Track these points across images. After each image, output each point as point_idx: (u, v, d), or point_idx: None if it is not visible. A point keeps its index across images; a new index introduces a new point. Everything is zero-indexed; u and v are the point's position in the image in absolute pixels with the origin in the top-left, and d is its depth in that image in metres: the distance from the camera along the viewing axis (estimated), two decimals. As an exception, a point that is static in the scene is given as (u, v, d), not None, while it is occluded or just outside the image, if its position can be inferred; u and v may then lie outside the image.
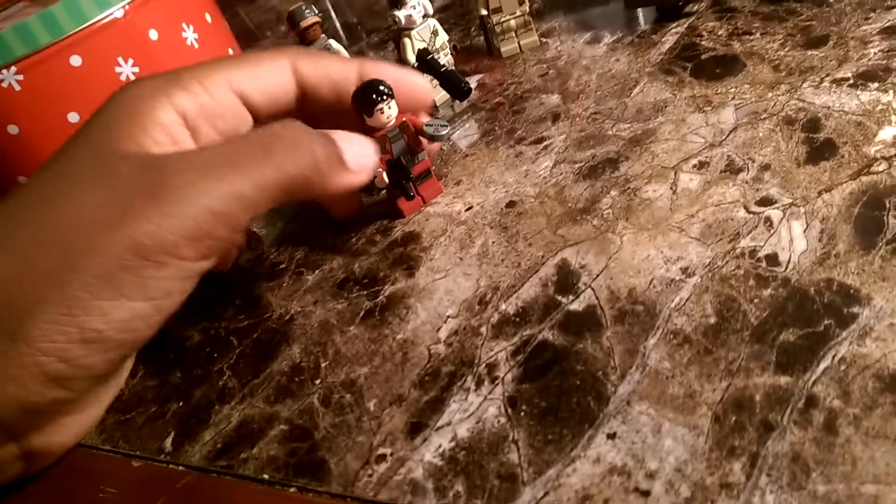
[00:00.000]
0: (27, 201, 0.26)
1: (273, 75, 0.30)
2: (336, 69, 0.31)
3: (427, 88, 0.34)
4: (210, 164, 0.26)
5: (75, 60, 0.42)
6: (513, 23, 0.47)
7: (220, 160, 0.26)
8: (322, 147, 0.28)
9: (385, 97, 0.31)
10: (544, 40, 0.48)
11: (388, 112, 0.31)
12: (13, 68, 0.40)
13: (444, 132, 0.32)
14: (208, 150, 0.27)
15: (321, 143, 0.28)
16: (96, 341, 0.24)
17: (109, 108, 0.27)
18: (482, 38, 0.50)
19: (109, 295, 0.24)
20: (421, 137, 0.33)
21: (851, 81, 0.32)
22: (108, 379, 0.28)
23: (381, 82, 0.31)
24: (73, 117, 0.43)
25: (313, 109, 0.32)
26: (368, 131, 0.32)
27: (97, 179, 0.25)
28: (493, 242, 0.31)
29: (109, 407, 0.29)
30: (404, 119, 0.32)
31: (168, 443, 0.27)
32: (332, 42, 0.45)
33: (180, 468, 0.26)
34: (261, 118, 0.31)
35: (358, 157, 0.30)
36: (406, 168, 0.33)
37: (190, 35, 0.48)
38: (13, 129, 0.42)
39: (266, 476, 0.24)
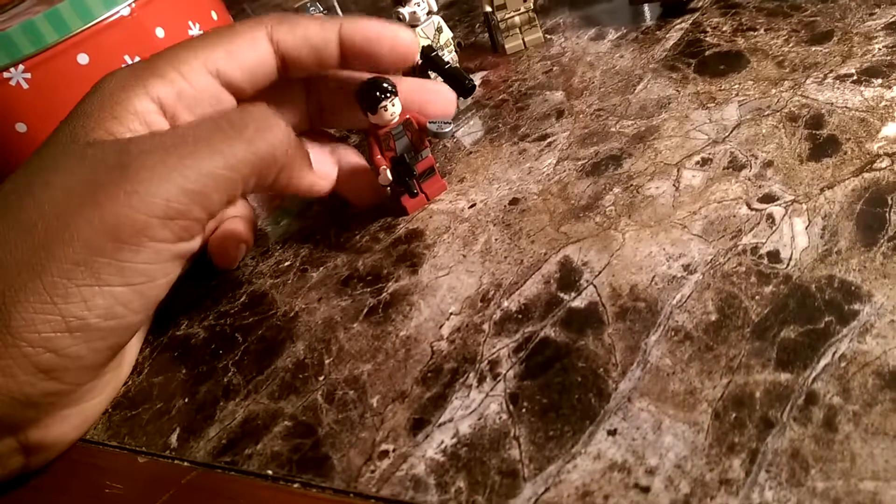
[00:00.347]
0: (8, 193, 0.27)
1: (250, 50, 0.30)
2: (315, 32, 0.31)
3: (411, 41, 0.32)
4: (179, 142, 0.26)
5: (82, 58, 0.42)
6: (517, 19, 0.47)
7: (189, 138, 0.26)
8: (292, 133, 0.29)
9: (389, 94, 0.31)
10: (548, 37, 0.48)
11: (392, 109, 0.32)
12: (21, 66, 0.40)
13: (447, 129, 0.32)
14: (178, 128, 0.27)
15: (290, 130, 0.29)
16: (80, 329, 0.24)
17: (87, 100, 0.28)
18: (486, 34, 0.50)
19: (88, 281, 0.24)
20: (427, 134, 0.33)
21: (855, 77, 0.32)
22: (104, 371, 0.28)
23: (384, 80, 0.31)
24: (81, 115, 0.43)
25: (296, 75, 0.32)
26: (372, 128, 0.32)
27: (70, 167, 0.26)
28: (497, 240, 0.31)
29: (115, 403, 0.30)
30: (408, 116, 0.33)
31: (173, 439, 0.27)
32: (313, 8, 0.46)
33: (185, 464, 0.26)
34: (244, 95, 0.31)
35: (319, 164, 0.30)
36: (410, 165, 0.33)
37: (195, 32, 0.48)
38: (21, 127, 0.42)
39: (270, 472, 0.24)
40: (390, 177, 0.33)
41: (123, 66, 0.29)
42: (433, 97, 0.34)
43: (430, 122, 0.32)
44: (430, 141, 0.34)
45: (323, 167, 0.32)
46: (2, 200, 0.26)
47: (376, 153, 0.33)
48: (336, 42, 0.31)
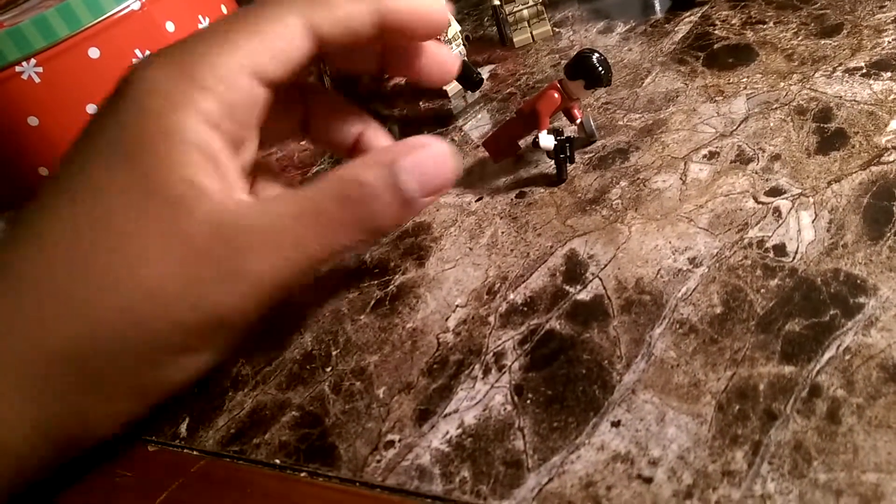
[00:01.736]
0: (80, 245, 0.24)
1: (286, 41, 0.27)
2: (356, 13, 0.27)
3: (443, 11, 0.29)
4: (287, 233, 0.25)
5: (93, 52, 0.42)
6: (525, 12, 0.47)
7: (299, 229, 0.25)
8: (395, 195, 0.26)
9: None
10: (557, 30, 0.48)
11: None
12: (33, 60, 0.40)
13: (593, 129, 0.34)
14: (284, 213, 0.25)
15: (393, 190, 0.26)
16: (169, 389, 0.26)
17: (131, 121, 0.24)
18: (495, 28, 0.51)
19: (184, 353, 0.25)
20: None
21: (864, 71, 0.32)
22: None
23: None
24: (92, 109, 0.43)
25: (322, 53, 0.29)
26: (563, 96, 0.32)
27: (163, 241, 0.24)
28: (503, 233, 0.31)
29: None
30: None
31: (183, 428, 0.27)
32: (450, 15, 0.46)
33: (195, 453, 0.26)
34: (273, 86, 0.28)
35: (424, 183, 0.27)
36: (573, 151, 0.33)
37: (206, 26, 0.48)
38: (33, 121, 0.42)
39: (278, 461, 0.25)
40: (552, 143, 0.32)
41: (151, 64, 0.25)
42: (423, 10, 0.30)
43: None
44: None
45: (426, 185, 0.27)
46: (78, 266, 0.24)
47: (548, 115, 0.32)
48: (373, 22, 0.28)
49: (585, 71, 0.31)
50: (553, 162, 0.33)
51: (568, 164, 0.32)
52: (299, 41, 0.26)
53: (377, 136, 0.32)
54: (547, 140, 0.32)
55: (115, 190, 0.24)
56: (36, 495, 0.26)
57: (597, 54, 0.31)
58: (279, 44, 0.26)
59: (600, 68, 0.31)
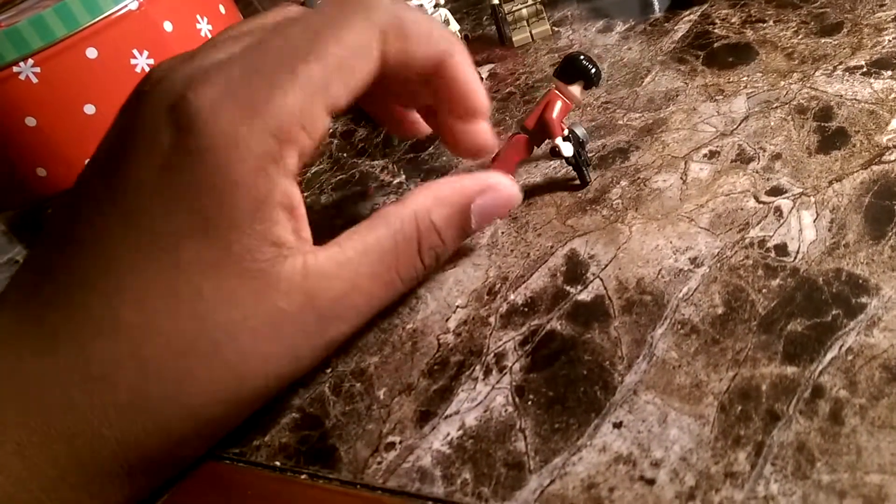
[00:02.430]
0: (175, 335, 0.22)
1: (361, 70, 0.24)
2: (423, 52, 0.26)
3: (485, 104, 0.29)
4: (365, 294, 0.26)
5: (91, 53, 0.42)
6: (524, 12, 0.47)
7: (375, 288, 0.26)
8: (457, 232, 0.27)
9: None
10: (556, 29, 0.48)
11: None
12: (30, 61, 0.40)
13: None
14: (361, 271, 0.25)
15: (463, 229, 0.27)
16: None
17: (221, 188, 0.22)
18: (493, 27, 0.50)
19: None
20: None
21: (865, 69, 0.32)
22: None
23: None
24: (90, 109, 0.43)
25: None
26: (567, 103, 0.31)
27: (262, 323, 0.23)
28: (503, 233, 0.31)
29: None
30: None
31: (182, 430, 0.27)
32: (449, 14, 0.45)
33: (194, 455, 0.26)
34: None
35: (487, 218, 0.28)
36: (586, 154, 0.33)
37: (204, 27, 0.48)
38: (31, 122, 0.42)
39: (278, 463, 0.24)
40: (568, 153, 0.31)
41: (220, 106, 0.22)
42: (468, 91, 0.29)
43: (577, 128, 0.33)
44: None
45: (486, 212, 0.28)
46: (171, 360, 0.22)
47: (560, 120, 0.31)
48: (431, 67, 0.27)
49: (580, 72, 0.31)
50: (570, 167, 0.32)
51: (587, 167, 0.32)
52: (370, 67, 0.24)
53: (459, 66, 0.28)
54: (567, 148, 0.31)
55: (206, 270, 0.22)
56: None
57: (581, 55, 0.31)
58: (356, 73, 0.24)
59: (592, 67, 0.31)
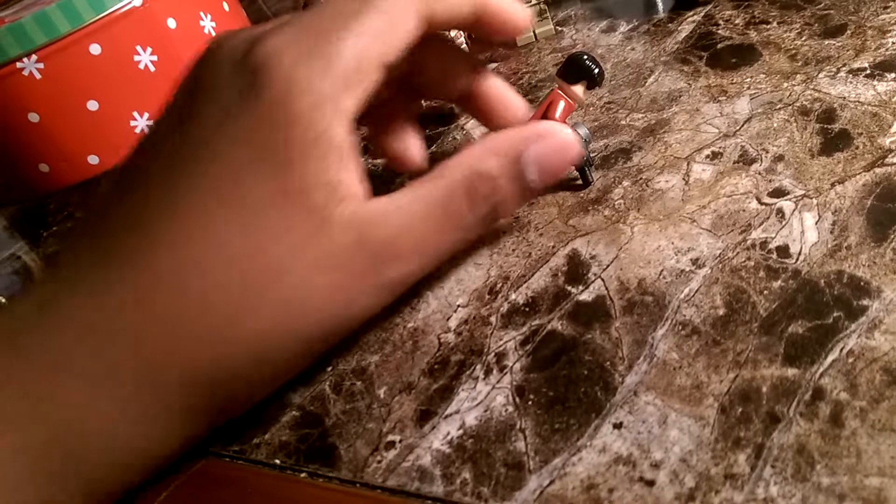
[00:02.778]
0: (235, 262, 0.23)
1: (404, 30, 0.25)
2: (465, 3, 0.27)
3: (526, 15, 0.30)
4: (422, 238, 0.25)
5: (95, 49, 0.42)
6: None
7: (432, 232, 0.25)
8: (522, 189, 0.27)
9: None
10: (560, 29, 0.48)
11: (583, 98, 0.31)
12: (34, 57, 0.40)
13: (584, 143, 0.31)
14: (417, 215, 0.25)
15: (519, 182, 0.26)
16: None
17: (282, 124, 0.23)
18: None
19: (312, 358, 0.26)
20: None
21: (868, 71, 0.32)
22: None
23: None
24: (93, 105, 0.43)
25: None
26: (570, 104, 0.31)
27: (309, 254, 0.23)
28: (504, 232, 0.31)
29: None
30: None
31: (183, 427, 0.27)
32: None
33: (194, 452, 0.26)
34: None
35: (545, 171, 0.27)
36: (585, 151, 0.31)
37: (207, 23, 0.48)
38: (34, 117, 0.42)
39: (278, 461, 0.24)
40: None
41: (285, 50, 0.23)
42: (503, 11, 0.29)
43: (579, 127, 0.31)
44: None
45: (548, 164, 0.27)
46: (242, 284, 0.23)
47: (563, 120, 0.30)
48: (474, 9, 0.28)
49: (583, 72, 0.31)
50: (573, 167, 0.32)
51: (590, 167, 0.32)
52: (411, 28, 0.25)
53: (496, 86, 0.32)
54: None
55: (264, 202, 0.23)
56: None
57: (585, 54, 0.31)
58: (400, 34, 0.25)
59: (595, 67, 0.30)
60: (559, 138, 0.27)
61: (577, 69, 0.31)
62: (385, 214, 0.24)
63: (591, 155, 0.33)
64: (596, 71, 0.31)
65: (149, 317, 0.23)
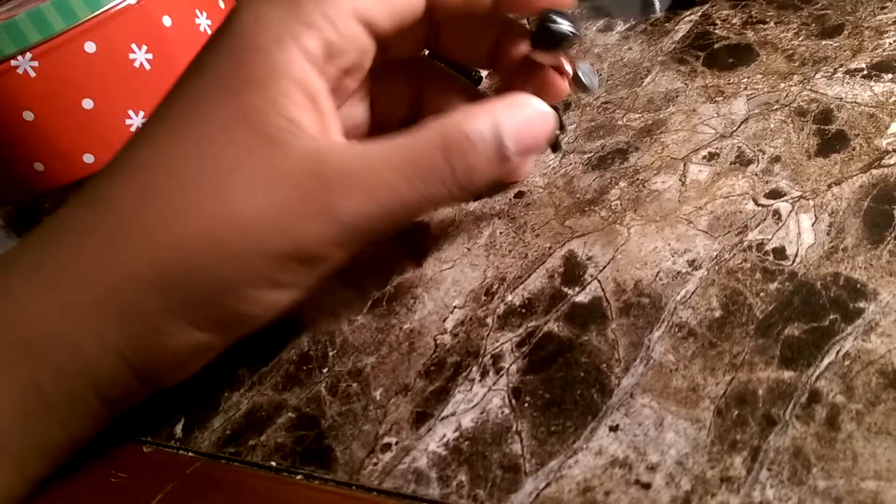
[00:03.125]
0: (174, 172, 0.25)
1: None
2: None
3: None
4: (382, 177, 0.24)
5: (89, 47, 0.42)
6: (525, 10, 0.46)
7: (395, 175, 0.24)
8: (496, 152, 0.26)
9: (575, 36, 0.27)
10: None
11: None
12: (28, 55, 0.40)
13: (594, 83, 0.28)
14: (381, 157, 0.25)
15: (495, 145, 0.25)
16: (249, 325, 0.26)
17: (240, 56, 0.24)
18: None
19: (268, 287, 0.25)
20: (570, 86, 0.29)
21: (865, 72, 0.32)
22: None
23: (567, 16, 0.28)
24: (88, 104, 0.43)
25: (440, 18, 0.28)
26: (531, 66, 0.29)
27: (259, 175, 0.24)
28: (501, 233, 0.31)
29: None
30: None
31: (178, 429, 0.27)
32: None
33: (190, 454, 0.26)
34: (384, 41, 0.27)
35: (521, 142, 0.26)
36: (560, 114, 0.28)
37: (203, 21, 0.48)
38: (28, 116, 0.42)
39: (274, 463, 0.24)
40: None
41: (260, 2, 0.25)
42: None
43: (576, 73, 0.28)
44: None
45: (523, 141, 0.27)
46: (175, 193, 0.24)
47: None
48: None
49: (554, 38, 0.28)
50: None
51: (562, 134, 0.29)
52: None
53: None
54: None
55: (218, 122, 0.24)
56: (31, 494, 0.26)
57: (552, 16, 0.28)
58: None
59: (563, 27, 0.28)
60: (533, 109, 0.26)
61: (545, 36, 0.28)
62: (349, 152, 0.24)
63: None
64: (564, 32, 0.28)
65: (99, 221, 0.25)
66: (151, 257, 0.24)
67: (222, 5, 0.51)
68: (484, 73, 0.45)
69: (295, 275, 0.25)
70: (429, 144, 0.25)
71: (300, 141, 0.24)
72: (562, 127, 0.30)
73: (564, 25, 0.27)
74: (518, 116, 0.25)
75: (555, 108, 0.28)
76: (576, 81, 0.28)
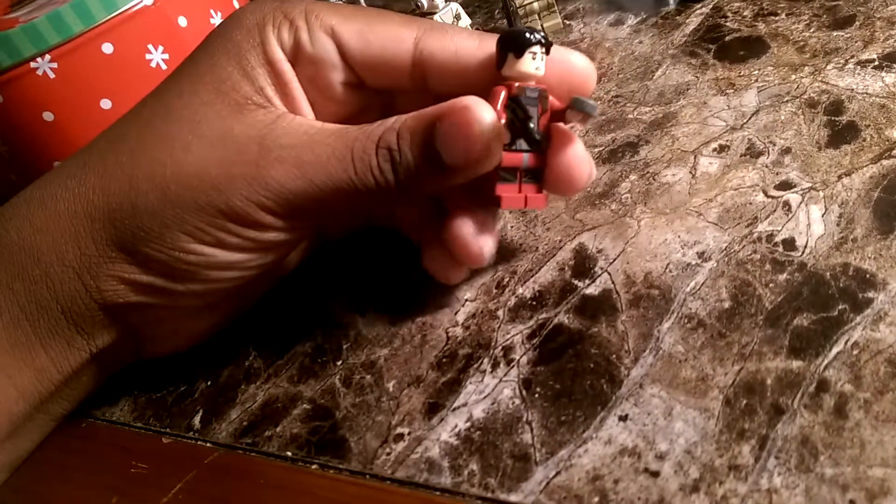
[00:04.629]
0: (150, 137, 0.27)
1: (387, 42, 0.27)
2: (466, 46, 0.27)
3: (589, 68, 0.27)
4: (317, 154, 0.25)
5: (107, 48, 0.43)
6: (536, 5, 0.47)
7: (329, 154, 0.25)
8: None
9: (543, 43, 0.25)
10: (567, 23, 0.48)
11: (538, 64, 0.25)
12: (47, 56, 0.41)
13: (595, 108, 0.25)
14: (322, 138, 0.26)
15: (425, 149, 0.25)
16: (190, 276, 0.27)
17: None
18: (505, 21, 0.50)
19: (202, 243, 0.26)
20: (567, 114, 0.26)
21: (876, 63, 0.32)
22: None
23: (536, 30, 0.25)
24: (106, 104, 0.44)
25: (429, 88, 0.28)
26: (501, 82, 0.26)
27: (212, 138, 0.26)
28: (512, 227, 0.31)
29: (140, 386, 0.31)
30: (545, 87, 0.26)
31: (197, 420, 0.28)
32: (461, 8, 0.44)
33: (208, 445, 0.27)
34: (360, 72, 0.28)
35: (450, 149, 0.25)
36: (526, 106, 0.26)
37: (218, 21, 0.49)
38: (48, 116, 0.43)
39: (289, 453, 0.25)
40: (508, 136, 0.26)
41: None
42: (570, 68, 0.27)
43: (575, 99, 0.25)
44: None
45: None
46: (140, 139, 0.27)
47: (495, 105, 0.25)
48: (484, 60, 0.27)
49: (504, 41, 0.25)
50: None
51: (534, 129, 0.26)
52: (400, 48, 0.27)
53: None
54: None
55: (192, 81, 0.27)
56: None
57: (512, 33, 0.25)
58: (377, 38, 0.27)
59: (515, 31, 0.25)
60: (461, 117, 0.24)
61: (507, 44, 0.25)
62: (298, 129, 0.26)
63: (534, 123, 0.26)
64: (514, 35, 0.25)
65: (74, 160, 0.28)
66: (105, 190, 0.26)
67: (236, 5, 0.52)
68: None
69: (231, 235, 0.26)
70: (368, 133, 0.25)
71: (261, 112, 0.26)
72: (527, 115, 0.26)
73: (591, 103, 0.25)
74: (448, 124, 0.24)
75: (524, 109, 0.26)
76: (576, 106, 0.25)
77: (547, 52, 0.25)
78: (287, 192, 0.25)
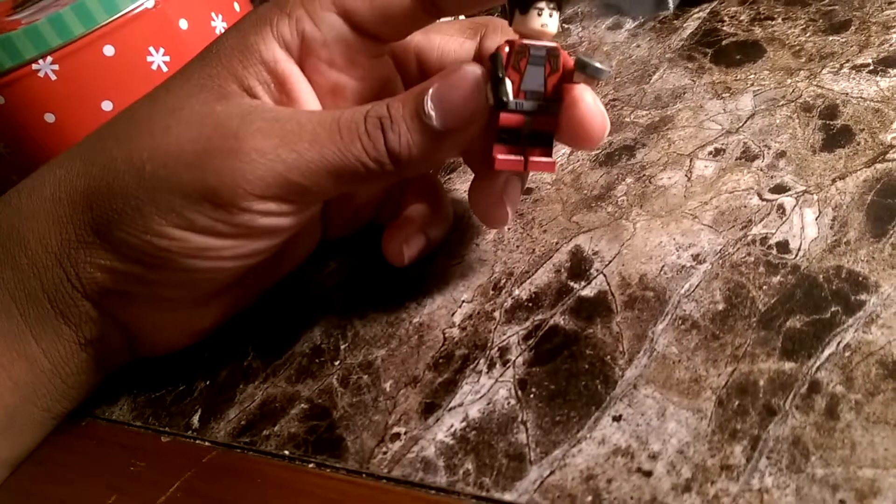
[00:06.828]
0: (137, 120, 0.27)
1: None
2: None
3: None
4: (305, 128, 0.25)
5: (108, 50, 0.43)
6: (535, 9, 0.47)
7: (318, 128, 0.25)
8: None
9: (552, 1, 0.23)
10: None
11: (546, 20, 0.24)
12: (49, 58, 0.41)
13: (606, 69, 0.24)
14: (310, 116, 0.25)
15: (416, 118, 0.25)
16: (167, 263, 0.26)
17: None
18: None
19: (178, 227, 0.25)
20: (575, 76, 0.24)
21: (871, 67, 0.32)
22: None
23: None
24: (107, 105, 0.44)
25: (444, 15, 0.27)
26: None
27: (193, 120, 0.26)
28: (509, 229, 0.31)
29: (139, 384, 0.31)
30: (557, 46, 0.24)
31: (195, 419, 0.28)
32: None
33: (206, 444, 0.27)
34: (379, 40, 0.27)
35: (445, 112, 0.24)
36: (498, 62, 0.24)
37: (219, 24, 0.49)
38: (49, 117, 0.43)
39: (286, 452, 0.25)
40: (491, 98, 0.24)
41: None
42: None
43: (580, 56, 0.24)
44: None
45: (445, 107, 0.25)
46: (125, 127, 0.27)
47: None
48: None
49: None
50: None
51: (500, 85, 0.24)
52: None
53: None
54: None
55: (183, 78, 0.27)
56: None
57: None
58: None
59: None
60: (454, 77, 0.24)
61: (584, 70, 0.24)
62: (283, 108, 0.26)
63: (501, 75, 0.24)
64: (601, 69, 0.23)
65: (67, 151, 0.28)
66: (87, 175, 0.26)
67: (238, 8, 0.52)
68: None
69: (206, 218, 0.25)
70: (358, 112, 0.25)
71: (247, 98, 0.26)
72: (497, 79, 0.24)
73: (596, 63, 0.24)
74: (440, 87, 0.24)
75: (498, 63, 0.24)
76: (579, 68, 0.24)
77: (558, 9, 0.24)
78: (267, 165, 0.24)
